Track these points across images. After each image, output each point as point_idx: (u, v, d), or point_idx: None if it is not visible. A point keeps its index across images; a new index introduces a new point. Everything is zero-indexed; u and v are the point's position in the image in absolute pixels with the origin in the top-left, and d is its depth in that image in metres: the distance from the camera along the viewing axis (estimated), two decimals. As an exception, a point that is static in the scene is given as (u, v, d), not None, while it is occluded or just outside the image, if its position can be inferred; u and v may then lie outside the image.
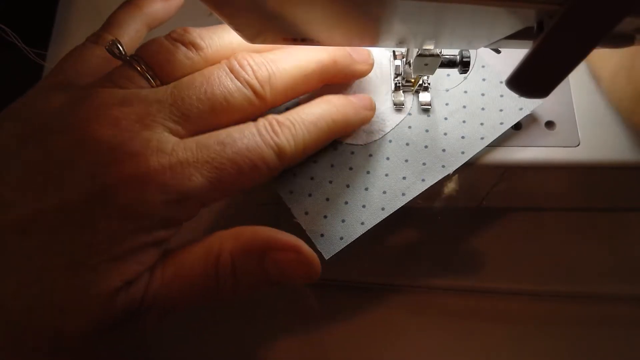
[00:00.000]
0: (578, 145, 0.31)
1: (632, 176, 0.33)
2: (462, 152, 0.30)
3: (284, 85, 0.27)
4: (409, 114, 0.31)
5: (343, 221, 0.28)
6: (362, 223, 0.28)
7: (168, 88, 0.25)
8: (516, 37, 0.22)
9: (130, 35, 0.29)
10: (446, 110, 0.31)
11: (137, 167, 0.23)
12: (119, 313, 0.23)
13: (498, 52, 0.32)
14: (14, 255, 0.22)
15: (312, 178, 0.29)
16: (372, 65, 0.30)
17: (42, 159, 0.23)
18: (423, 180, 0.29)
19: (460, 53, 0.28)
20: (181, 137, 0.25)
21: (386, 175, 0.29)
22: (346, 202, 0.29)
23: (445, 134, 0.30)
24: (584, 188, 0.36)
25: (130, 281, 0.23)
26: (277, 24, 0.23)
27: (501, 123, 0.30)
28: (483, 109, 0.31)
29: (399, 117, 0.31)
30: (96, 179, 0.23)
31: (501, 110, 0.31)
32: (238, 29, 0.24)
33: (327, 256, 0.28)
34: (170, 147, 0.24)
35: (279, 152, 0.25)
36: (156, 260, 0.25)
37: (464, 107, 0.31)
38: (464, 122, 0.30)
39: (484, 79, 0.32)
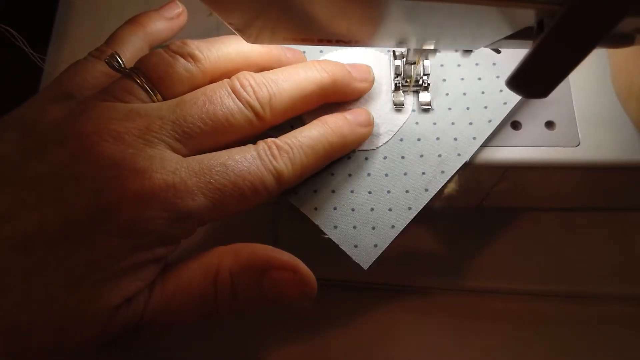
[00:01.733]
0: (578, 145, 0.31)
1: (632, 176, 0.33)
2: (474, 138, 0.30)
3: (284, 106, 0.27)
4: (413, 110, 0.31)
5: (373, 228, 0.28)
6: (393, 226, 0.28)
7: (171, 105, 0.25)
8: (516, 37, 0.22)
9: (132, 52, 0.29)
10: (448, 100, 0.31)
11: (142, 184, 0.23)
12: (118, 329, 0.23)
13: (498, 52, 0.32)
14: (15, 271, 0.22)
15: (333, 191, 0.29)
16: (372, 82, 0.31)
17: (43, 171, 0.23)
18: (442, 172, 0.29)
19: None
20: (182, 155, 0.25)
21: (405, 174, 0.29)
22: (372, 209, 0.29)
23: (453, 123, 0.30)
24: (584, 188, 0.36)
25: (130, 297, 0.23)
26: (276, 23, 0.23)
27: (505, 103, 0.30)
28: (483, 92, 0.31)
29: (405, 115, 0.31)
30: (99, 194, 0.22)
31: (501, 90, 0.31)
32: (238, 29, 0.24)
33: (365, 266, 0.27)
34: (174, 165, 0.24)
35: (278, 177, 0.26)
36: (156, 276, 0.25)
37: (464, 94, 0.31)
38: (468, 108, 0.30)
39: (477, 64, 0.32)
